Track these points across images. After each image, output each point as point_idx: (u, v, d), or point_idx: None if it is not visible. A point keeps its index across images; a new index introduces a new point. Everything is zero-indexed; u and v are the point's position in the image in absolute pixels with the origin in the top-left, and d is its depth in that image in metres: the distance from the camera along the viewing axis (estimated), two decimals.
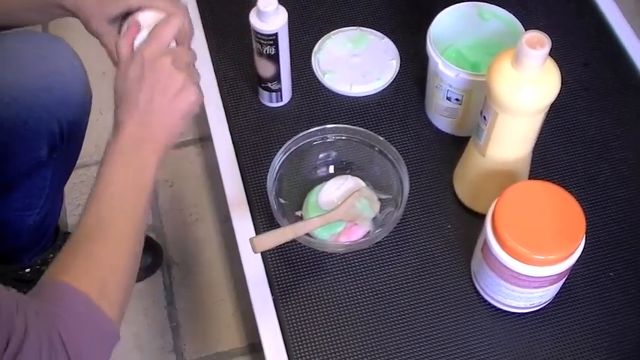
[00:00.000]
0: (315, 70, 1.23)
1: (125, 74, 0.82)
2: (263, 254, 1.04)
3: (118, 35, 0.87)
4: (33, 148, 1.05)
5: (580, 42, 1.27)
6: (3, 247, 1.22)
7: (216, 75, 1.23)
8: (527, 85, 0.89)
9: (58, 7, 0.88)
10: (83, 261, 0.73)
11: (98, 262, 0.74)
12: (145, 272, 1.39)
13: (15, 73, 1.01)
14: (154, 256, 1.40)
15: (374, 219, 1.06)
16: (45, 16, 0.97)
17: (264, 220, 1.07)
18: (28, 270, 1.29)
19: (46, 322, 0.67)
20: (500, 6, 1.10)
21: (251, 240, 0.95)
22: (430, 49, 1.06)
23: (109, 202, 0.77)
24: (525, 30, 1.07)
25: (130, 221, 0.79)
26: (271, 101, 1.18)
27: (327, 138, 1.09)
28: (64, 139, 1.07)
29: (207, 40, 1.27)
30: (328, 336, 0.98)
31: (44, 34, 1.08)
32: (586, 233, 0.89)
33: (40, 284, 0.72)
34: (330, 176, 1.10)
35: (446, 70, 1.05)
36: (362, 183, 1.08)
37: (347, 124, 1.09)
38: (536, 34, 0.87)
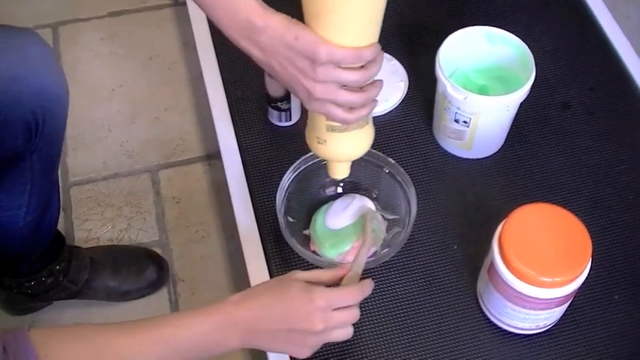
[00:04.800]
0: None
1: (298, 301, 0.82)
2: (270, 273, 1.05)
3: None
4: (8, 139, 1.05)
5: (585, 67, 1.28)
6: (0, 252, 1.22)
7: (226, 94, 1.24)
8: None
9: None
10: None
11: None
12: (150, 288, 1.40)
13: None
14: (159, 272, 1.41)
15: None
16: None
17: (271, 239, 1.08)
18: (33, 282, 1.30)
19: None
20: (507, 30, 1.12)
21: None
22: (439, 71, 1.08)
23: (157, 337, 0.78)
24: (533, 55, 1.09)
25: None
26: (280, 120, 1.19)
27: None
28: (40, 130, 1.07)
29: (217, 60, 1.28)
30: (334, 354, 0.98)
31: (16, 27, 1.06)
32: (592, 256, 0.90)
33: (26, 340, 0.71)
34: (338, 196, 1.11)
35: (454, 93, 1.06)
36: (369, 202, 1.09)
37: None
38: None
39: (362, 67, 0.83)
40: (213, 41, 1.31)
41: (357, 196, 1.10)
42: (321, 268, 1.03)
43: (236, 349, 0.82)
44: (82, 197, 1.54)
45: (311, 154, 1.08)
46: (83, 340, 0.75)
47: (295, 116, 1.20)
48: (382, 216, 1.09)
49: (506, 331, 0.99)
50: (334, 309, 0.82)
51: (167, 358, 0.78)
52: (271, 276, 1.05)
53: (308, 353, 0.84)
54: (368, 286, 0.86)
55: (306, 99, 0.87)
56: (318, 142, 0.93)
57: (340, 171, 0.97)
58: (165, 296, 1.41)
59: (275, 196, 1.06)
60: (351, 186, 1.11)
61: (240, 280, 1.43)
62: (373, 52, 0.83)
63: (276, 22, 0.83)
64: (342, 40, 0.80)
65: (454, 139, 1.14)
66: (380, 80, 0.86)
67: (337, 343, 0.99)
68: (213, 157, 1.58)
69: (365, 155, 1.09)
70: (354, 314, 0.84)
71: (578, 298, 0.99)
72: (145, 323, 0.78)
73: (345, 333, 0.84)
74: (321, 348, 0.98)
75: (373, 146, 1.12)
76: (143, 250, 1.42)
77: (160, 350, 0.77)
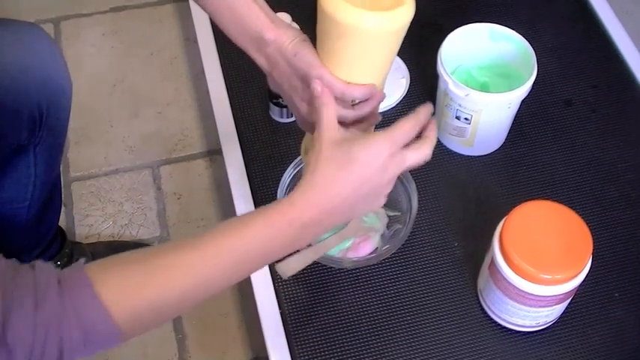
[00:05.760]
0: None
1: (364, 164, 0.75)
2: (271, 269, 1.05)
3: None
4: (13, 131, 1.06)
5: (588, 64, 1.28)
6: (2, 246, 1.23)
7: (227, 90, 1.24)
8: None
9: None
10: (132, 279, 0.70)
11: (149, 296, 0.70)
12: None
13: None
14: None
15: (382, 235, 1.07)
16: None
17: None
18: None
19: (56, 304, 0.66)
20: (509, 27, 1.12)
21: (279, 267, 0.97)
22: (441, 68, 1.07)
23: (217, 250, 0.72)
24: (535, 52, 1.09)
25: (219, 281, 0.73)
26: (282, 116, 1.19)
27: None
28: (44, 123, 1.07)
29: (219, 55, 1.28)
30: (335, 350, 0.98)
31: (21, 21, 1.07)
32: (592, 254, 0.90)
33: (76, 271, 0.68)
34: None
35: (456, 90, 1.06)
36: None
37: None
38: None
39: (354, 104, 0.82)
40: (214, 37, 1.31)
41: None
42: (322, 264, 1.04)
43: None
44: (83, 192, 1.54)
45: None
46: (136, 261, 0.71)
47: None
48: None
49: (506, 328, 0.99)
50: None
51: (235, 267, 0.73)
52: (271, 272, 1.05)
53: (384, 199, 0.79)
54: (423, 112, 0.80)
55: (296, 117, 0.88)
56: (305, 152, 0.92)
57: None
58: None
59: (276, 192, 1.06)
60: None
61: None
62: (363, 94, 0.82)
63: (284, 37, 0.83)
64: (336, 69, 0.80)
65: (455, 136, 1.14)
66: (377, 114, 0.86)
67: (336, 341, 0.99)
68: (214, 152, 1.58)
69: None
70: (426, 146, 0.78)
71: (579, 296, 0.99)
72: (199, 236, 0.73)
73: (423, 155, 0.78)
74: (321, 345, 0.98)
75: None
76: (144, 246, 1.42)
77: (225, 256, 0.72)
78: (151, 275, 0.70)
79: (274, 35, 0.83)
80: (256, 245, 0.73)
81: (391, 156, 0.75)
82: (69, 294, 0.67)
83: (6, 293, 0.65)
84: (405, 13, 0.78)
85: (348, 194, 0.75)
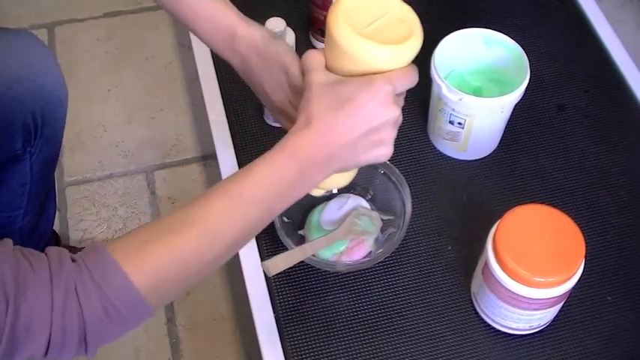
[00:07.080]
0: None
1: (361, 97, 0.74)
2: (266, 274, 1.05)
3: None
4: (7, 141, 1.05)
5: (580, 69, 1.29)
6: None
7: (222, 94, 1.24)
8: None
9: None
10: (149, 250, 0.69)
11: (165, 255, 0.69)
12: None
13: None
14: None
15: (376, 239, 1.07)
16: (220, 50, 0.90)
17: (266, 239, 1.08)
18: None
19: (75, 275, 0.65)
20: (503, 33, 1.12)
21: (264, 264, 0.97)
22: (434, 73, 1.08)
23: (221, 197, 0.72)
24: (528, 57, 1.09)
25: (232, 231, 0.72)
26: (276, 120, 1.20)
27: None
28: (39, 132, 1.07)
29: (213, 60, 1.28)
30: (329, 354, 0.99)
31: (15, 29, 1.06)
32: (585, 257, 0.90)
33: (94, 250, 0.68)
34: (333, 196, 1.11)
35: (449, 95, 1.06)
36: (364, 203, 1.10)
37: None
38: None
39: None
40: None
41: (352, 196, 1.10)
42: (316, 268, 1.04)
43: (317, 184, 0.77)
44: (77, 197, 1.54)
45: None
46: (148, 227, 0.72)
47: None
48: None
49: (500, 331, 1.00)
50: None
51: (244, 215, 0.73)
52: (266, 277, 1.05)
53: (391, 148, 0.79)
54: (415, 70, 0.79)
55: (268, 108, 0.91)
56: None
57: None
58: None
59: None
60: (346, 186, 1.11)
61: (235, 281, 1.43)
62: None
63: (256, 33, 0.86)
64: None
65: (449, 140, 1.14)
66: None
67: (330, 345, 0.99)
68: (208, 157, 1.58)
69: None
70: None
71: (572, 299, 1.00)
72: (205, 192, 0.74)
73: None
74: (316, 349, 0.98)
75: None
76: None
77: (230, 204, 0.73)
78: (165, 235, 0.70)
79: (246, 31, 0.86)
80: (259, 189, 0.74)
81: (387, 94, 0.74)
82: (85, 264, 0.66)
83: (18, 273, 0.63)
84: (414, 46, 0.78)
85: (347, 133, 0.74)
